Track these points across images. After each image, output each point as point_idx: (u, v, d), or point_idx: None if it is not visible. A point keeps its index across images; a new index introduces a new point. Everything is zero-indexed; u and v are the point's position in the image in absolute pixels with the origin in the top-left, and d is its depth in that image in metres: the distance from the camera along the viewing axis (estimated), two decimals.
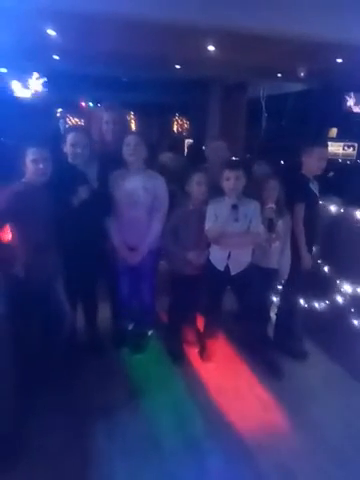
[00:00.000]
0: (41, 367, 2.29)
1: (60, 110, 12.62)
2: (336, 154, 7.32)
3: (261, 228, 2.60)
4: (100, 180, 2.47)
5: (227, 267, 2.61)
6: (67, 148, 2.42)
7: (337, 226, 2.97)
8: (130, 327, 3.00)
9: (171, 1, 2.91)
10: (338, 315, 2.88)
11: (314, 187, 2.88)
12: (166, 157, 4.21)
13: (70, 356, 2.54)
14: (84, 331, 2.84)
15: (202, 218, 2.60)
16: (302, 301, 3.08)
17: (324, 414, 2.44)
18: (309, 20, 2.99)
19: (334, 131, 8.35)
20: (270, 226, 2.68)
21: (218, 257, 2.63)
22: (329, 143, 7.49)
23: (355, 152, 7.36)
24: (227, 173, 2.54)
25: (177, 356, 2.83)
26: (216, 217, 2.55)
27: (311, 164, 2.81)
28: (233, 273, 2.62)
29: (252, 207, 2.60)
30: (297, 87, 6.49)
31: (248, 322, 2.84)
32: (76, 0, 2.87)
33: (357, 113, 6.65)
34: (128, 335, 2.96)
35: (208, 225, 2.57)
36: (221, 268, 2.62)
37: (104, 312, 2.97)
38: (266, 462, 2.06)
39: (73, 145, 2.39)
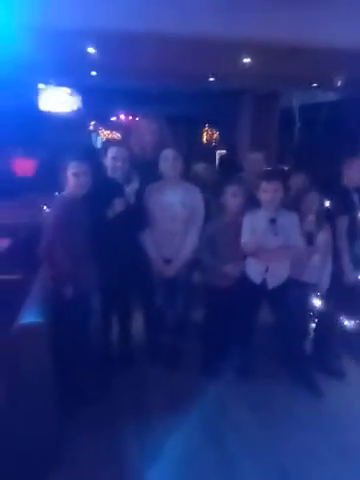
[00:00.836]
0: (78, 378, 2.31)
1: (93, 123, 12.98)
2: None
3: (300, 241, 2.54)
4: (138, 193, 2.49)
5: (264, 280, 2.56)
6: (107, 161, 2.46)
7: None
8: (165, 340, 2.97)
9: (201, 17, 2.94)
10: None
11: (356, 199, 2.80)
12: (199, 168, 4.22)
13: (105, 368, 2.55)
14: (119, 343, 2.84)
15: (238, 230, 2.57)
16: (342, 317, 2.96)
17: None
18: (342, 30, 2.95)
19: None
20: (310, 239, 2.62)
21: (255, 270, 2.58)
22: None
23: None
24: (265, 185, 2.50)
25: (210, 370, 2.78)
26: (253, 230, 2.51)
27: (352, 175, 2.74)
28: (270, 287, 2.56)
29: (291, 220, 2.55)
30: (331, 96, 6.35)
31: (285, 337, 2.77)
32: (113, 20, 2.95)
33: None
34: (163, 348, 2.94)
35: (245, 238, 2.53)
36: (258, 281, 2.57)
37: (139, 324, 2.98)
38: None
39: (114, 158, 2.44)
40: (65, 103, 7.96)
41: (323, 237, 2.67)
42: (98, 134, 13.22)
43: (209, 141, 13.71)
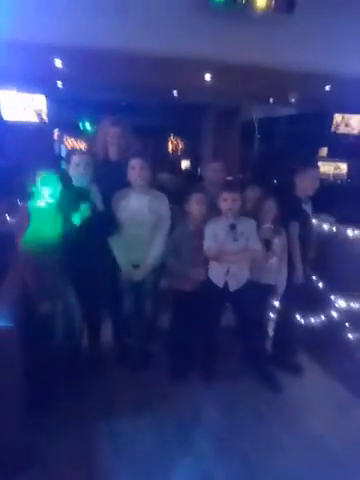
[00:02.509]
0: (47, 382, 2.35)
1: (57, 132, 12.85)
2: (327, 174, 7.59)
3: (258, 245, 2.73)
4: (104, 199, 2.58)
5: (226, 284, 2.72)
6: (71, 169, 2.53)
7: (330, 243, 3.12)
8: (132, 344, 3.06)
9: (167, 36, 3.13)
10: (333, 330, 2.99)
11: (307, 207, 3.04)
12: (164, 177, 4.38)
13: (74, 372, 2.61)
14: (88, 347, 2.89)
15: (201, 236, 2.72)
16: (298, 316, 3.19)
17: (318, 425, 2.52)
18: (297, 53, 3.26)
19: (324, 151, 8.66)
20: (267, 244, 2.82)
21: (217, 274, 2.75)
22: (321, 163, 7.81)
23: (345, 172, 7.64)
24: (225, 195, 2.68)
25: (178, 372, 2.90)
26: (215, 236, 2.68)
27: (304, 184, 2.98)
28: (232, 289, 2.73)
29: (249, 226, 2.74)
30: (289, 111, 6.78)
31: (246, 337, 2.95)
32: (80, 36, 3.07)
33: (344, 134, 6.96)
34: (130, 352, 3.02)
35: (207, 244, 2.69)
36: (220, 285, 2.73)
37: (107, 328, 3.05)
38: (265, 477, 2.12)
39: (77, 165, 2.51)
40: (29, 111, 7.90)
41: (279, 242, 2.88)
42: (62, 143, 13.12)
43: (174, 151, 13.99)
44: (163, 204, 2.77)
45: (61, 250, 2.40)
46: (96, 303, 2.79)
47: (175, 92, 4.51)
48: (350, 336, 2.82)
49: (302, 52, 3.01)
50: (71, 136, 13.52)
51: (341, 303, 2.95)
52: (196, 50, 3.17)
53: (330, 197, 4.78)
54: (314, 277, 3.21)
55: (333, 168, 7.66)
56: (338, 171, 7.70)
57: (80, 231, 2.46)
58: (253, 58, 3.26)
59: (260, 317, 2.95)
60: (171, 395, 2.71)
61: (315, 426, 2.51)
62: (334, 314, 3.00)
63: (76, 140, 13.63)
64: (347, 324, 2.87)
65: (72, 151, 2.68)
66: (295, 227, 2.92)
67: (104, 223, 2.59)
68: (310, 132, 6.54)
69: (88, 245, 2.49)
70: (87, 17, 3.08)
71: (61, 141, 13.24)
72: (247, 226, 2.73)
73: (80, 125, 12.94)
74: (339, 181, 7.60)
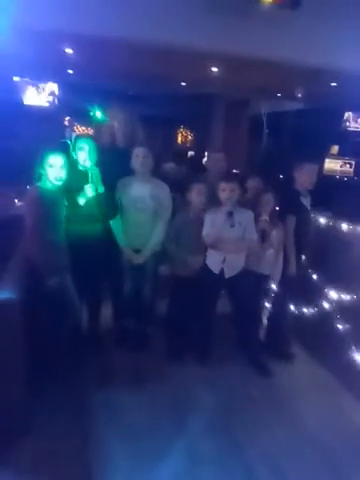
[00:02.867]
0: (48, 356, 2.49)
1: (68, 119, 12.94)
2: (334, 171, 7.61)
3: (255, 235, 2.83)
4: (105, 181, 2.67)
5: (222, 270, 2.83)
6: (77, 153, 2.65)
7: (327, 237, 3.20)
8: (132, 325, 3.18)
9: (178, 27, 3.19)
10: (325, 320, 3.09)
11: (305, 201, 3.12)
12: (168, 167, 4.47)
13: (74, 351, 2.74)
14: (88, 327, 3.03)
15: (201, 225, 2.83)
16: (292, 306, 3.30)
17: (305, 409, 2.65)
18: (305, 48, 3.30)
19: (335, 148, 8.65)
20: (263, 236, 2.91)
21: (214, 261, 2.86)
22: (328, 160, 7.83)
23: (352, 169, 7.64)
24: (223, 185, 2.78)
25: (174, 355, 3.03)
26: (213, 224, 2.78)
27: (302, 179, 3.06)
28: (227, 276, 2.84)
29: (247, 216, 2.84)
30: (297, 105, 6.79)
31: (240, 324, 3.07)
32: (91, 25, 3.16)
33: (354, 131, 6.97)
34: (129, 333, 3.15)
35: (205, 231, 2.80)
36: (216, 271, 2.85)
37: (108, 310, 3.18)
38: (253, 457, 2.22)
39: (81, 149, 2.62)
40: (43, 98, 8.02)
41: (276, 234, 2.97)
42: (73, 129, 13.23)
43: (184, 142, 14.02)
44: (164, 192, 2.88)
45: (67, 230, 2.53)
46: (96, 283, 2.91)
47: (183, 83, 4.58)
48: (340, 327, 2.91)
49: (307, 47, 3.06)
50: (81, 124, 13.63)
51: (333, 295, 3.04)
52: (202, 43, 3.23)
53: (333, 193, 4.84)
54: (310, 270, 3.29)
55: (339, 165, 7.68)
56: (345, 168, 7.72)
57: (82, 211, 2.59)
58: (260, 53, 3.33)
59: (254, 305, 3.06)
60: (165, 374, 2.84)
61: (302, 411, 2.63)
62: (326, 305, 3.09)
63: (86, 128, 13.76)
64: (338, 316, 2.96)
65: (78, 136, 2.77)
66: (292, 221, 3.01)
67: (107, 203, 2.69)
68: (318, 128, 6.56)
69: (90, 225, 2.62)
70: (96, 6, 3.15)
71: (72, 128, 13.34)
72: (245, 216, 2.83)
73: (90, 113, 13.04)
74: (345, 178, 7.63)
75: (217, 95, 7.63)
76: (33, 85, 7.33)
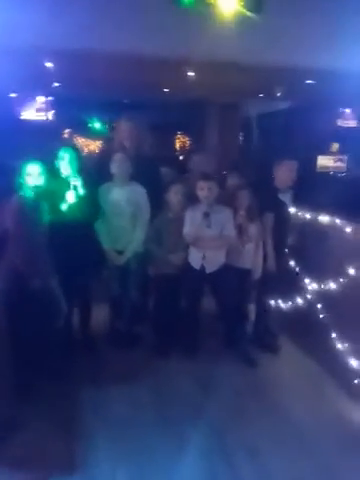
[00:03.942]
0: (37, 357, 2.60)
1: (67, 131, 13.21)
2: (327, 167, 7.69)
3: (233, 232, 2.93)
4: (86, 188, 2.83)
5: (203, 266, 2.94)
6: (59, 162, 2.80)
7: (305, 231, 3.28)
8: (121, 324, 3.29)
9: (166, 39, 3.34)
10: (308, 311, 3.16)
11: (285, 197, 3.21)
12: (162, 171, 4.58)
13: (65, 350, 2.84)
14: (78, 328, 3.15)
15: (180, 224, 2.94)
16: (275, 299, 3.38)
17: (290, 398, 2.71)
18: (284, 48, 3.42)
19: (336, 146, 8.72)
20: (240, 231, 3.01)
21: (194, 258, 2.97)
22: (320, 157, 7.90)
23: (344, 165, 7.71)
24: (201, 184, 2.90)
25: (162, 351, 3.12)
26: (192, 223, 2.89)
27: (281, 176, 3.16)
28: (208, 272, 2.94)
29: (225, 214, 2.95)
30: (283, 105, 6.90)
31: (225, 317, 3.16)
32: (74, 39, 3.31)
33: (345, 127, 7.04)
34: (119, 331, 3.26)
35: (185, 230, 2.91)
36: (197, 267, 2.95)
37: (98, 310, 3.29)
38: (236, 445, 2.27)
39: (62, 159, 2.78)
40: (40, 112, 8.26)
41: (254, 230, 3.07)
42: (72, 141, 13.47)
43: (182, 147, 14.20)
44: (141, 195, 3.01)
45: (51, 235, 2.66)
46: (84, 285, 3.03)
47: (165, 90, 4.72)
48: (321, 316, 2.98)
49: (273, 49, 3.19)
50: (81, 135, 13.91)
51: (314, 286, 3.11)
52: (179, 50, 3.37)
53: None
54: (292, 263, 3.37)
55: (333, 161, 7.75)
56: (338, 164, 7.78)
57: (67, 216, 2.74)
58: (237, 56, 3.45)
59: (237, 298, 3.14)
60: (151, 369, 2.93)
61: (286, 400, 2.69)
62: (308, 296, 3.17)
63: (86, 139, 14.03)
64: (319, 305, 3.04)
65: (62, 146, 2.90)
66: (269, 217, 3.10)
67: (89, 208, 2.82)
68: (307, 125, 6.66)
69: (75, 229, 2.74)
70: (80, 20, 3.31)
71: (71, 140, 13.59)
72: (223, 214, 2.94)
73: (89, 125, 13.30)
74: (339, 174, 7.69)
75: (207, 100, 7.79)
76: (28, 100, 7.58)
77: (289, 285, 3.35)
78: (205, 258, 2.93)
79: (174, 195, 2.98)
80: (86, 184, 2.84)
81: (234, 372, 2.95)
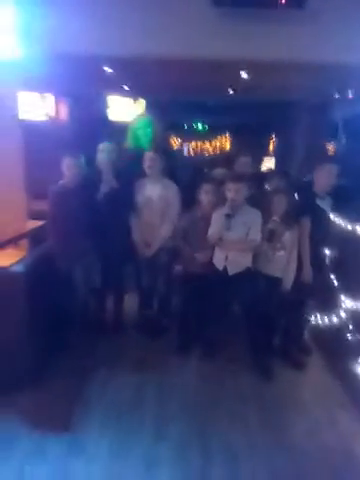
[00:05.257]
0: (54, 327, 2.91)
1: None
2: None
3: (258, 236, 2.84)
4: (119, 181, 3.04)
5: (225, 268, 2.91)
6: (98, 156, 3.05)
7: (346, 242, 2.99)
8: (149, 315, 3.44)
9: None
10: (340, 330, 2.89)
11: (324, 203, 2.98)
12: (216, 172, 4.63)
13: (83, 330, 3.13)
14: (107, 311, 3.39)
15: (208, 223, 2.95)
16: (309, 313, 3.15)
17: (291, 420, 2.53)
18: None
19: None
20: (271, 236, 2.89)
21: (218, 258, 2.95)
22: None
23: None
24: (229, 185, 2.86)
25: (179, 347, 3.19)
26: (216, 223, 2.89)
27: (320, 180, 2.94)
28: (230, 273, 2.90)
29: (253, 216, 2.87)
30: None
31: (248, 323, 3.07)
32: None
33: None
34: (146, 321, 3.42)
35: (210, 231, 2.91)
36: (220, 268, 2.93)
37: (130, 299, 3.51)
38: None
39: (101, 152, 3.02)
40: (130, 113, 8.90)
41: (290, 237, 2.91)
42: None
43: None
44: (172, 192, 3.10)
45: (87, 222, 2.94)
46: (115, 273, 3.26)
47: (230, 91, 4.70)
48: (350, 337, 2.70)
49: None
50: (178, 136, 14.57)
51: (348, 303, 2.83)
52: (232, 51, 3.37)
53: None
54: (332, 275, 3.11)
55: None
56: None
57: (102, 209, 2.98)
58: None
59: (263, 306, 3.01)
60: (164, 363, 3.02)
61: (288, 419, 2.52)
62: (342, 314, 2.89)
63: (182, 140, 14.67)
64: (351, 326, 2.75)
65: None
66: (306, 223, 2.92)
67: (122, 200, 3.04)
68: None
69: (109, 218, 2.97)
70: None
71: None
72: (250, 217, 2.86)
73: (185, 127, 13.86)
74: None
75: (298, 100, 7.49)
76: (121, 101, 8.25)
77: (325, 300, 3.09)
78: (228, 259, 2.89)
79: (204, 194, 3.00)
80: (123, 179, 3.06)
81: (245, 380, 2.87)
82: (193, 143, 15.32)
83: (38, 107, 7.06)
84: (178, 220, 3.11)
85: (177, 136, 14.63)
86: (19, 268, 2.49)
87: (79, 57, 3.34)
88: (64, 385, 2.70)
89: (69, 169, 2.83)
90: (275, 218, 2.91)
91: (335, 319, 3.01)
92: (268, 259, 2.94)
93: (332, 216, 3.11)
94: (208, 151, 14.80)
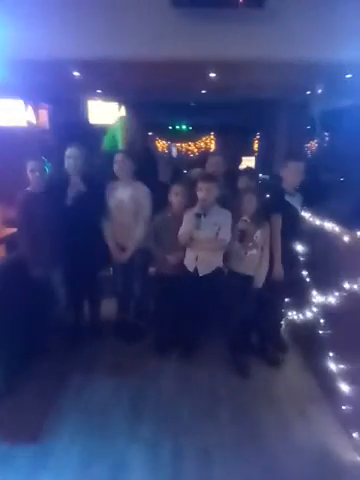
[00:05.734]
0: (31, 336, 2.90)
1: (150, 134, 13.88)
2: None
3: (228, 236, 2.85)
4: (88, 184, 3.02)
5: (196, 268, 2.91)
6: (66, 161, 3.01)
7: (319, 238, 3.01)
8: (126, 319, 3.42)
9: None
10: (313, 326, 2.91)
11: (294, 200, 3.00)
12: (194, 171, 4.64)
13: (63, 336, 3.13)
14: (83, 317, 3.37)
15: (179, 224, 2.95)
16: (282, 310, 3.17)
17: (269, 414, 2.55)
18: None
19: None
20: (242, 237, 2.90)
21: (188, 259, 2.96)
22: None
23: None
24: (200, 184, 2.87)
25: (156, 348, 3.20)
26: (185, 223, 2.89)
27: (288, 177, 2.96)
28: (201, 274, 2.91)
29: (222, 217, 2.88)
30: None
31: (222, 323, 3.08)
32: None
33: None
34: (123, 326, 3.40)
35: (180, 231, 2.91)
36: (191, 269, 2.94)
37: (106, 303, 3.49)
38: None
39: (68, 157, 2.99)
40: (112, 116, 8.90)
41: (261, 235, 2.92)
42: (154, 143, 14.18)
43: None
44: (143, 194, 3.08)
45: (55, 228, 2.92)
46: (89, 278, 3.24)
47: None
48: (320, 332, 2.72)
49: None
50: (162, 138, 14.56)
51: (319, 299, 2.84)
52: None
53: None
54: (304, 272, 3.13)
55: None
56: None
57: (71, 210, 2.95)
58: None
59: (236, 305, 3.02)
60: (141, 365, 3.02)
61: (263, 414, 2.54)
62: (313, 310, 2.91)
63: (167, 141, 14.69)
64: (322, 321, 2.77)
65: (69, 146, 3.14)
66: (276, 220, 2.93)
67: (92, 203, 2.99)
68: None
69: (79, 223, 2.92)
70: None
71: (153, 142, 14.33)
72: (220, 217, 2.88)
73: (169, 127, 13.85)
74: None
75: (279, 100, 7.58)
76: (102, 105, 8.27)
77: (298, 296, 3.11)
78: (198, 259, 2.90)
79: (174, 196, 3.01)
80: (92, 182, 3.05)
81: (221, 380, 2.87)
82: (178, 144, 15.34)
83: (17, 113, 7.09)
84: (150, 221, 3.11)
85: (162, 138, 14.65)
86: None
87: (46, 62, 3.33)
88: (37, 390, 2.69)
89: (32, 173, 2.81)
90: (245, 218, 2.92)
91: (308, 315, 3.03)
92: (240, 258, 2.95)
93: (303, 212, 3.12)
94: (193, 152, 14.82)
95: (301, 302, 3.11)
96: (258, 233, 2.92)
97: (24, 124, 7.23)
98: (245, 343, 3.13)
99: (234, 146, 11.91)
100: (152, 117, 10.76)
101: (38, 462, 2.15)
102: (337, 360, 2.53)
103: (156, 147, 14.07)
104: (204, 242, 2.86)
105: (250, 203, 2.92)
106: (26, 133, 6.73)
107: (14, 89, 5.88)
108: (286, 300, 3.29)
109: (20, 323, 2.76)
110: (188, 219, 2.89)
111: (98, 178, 3.12)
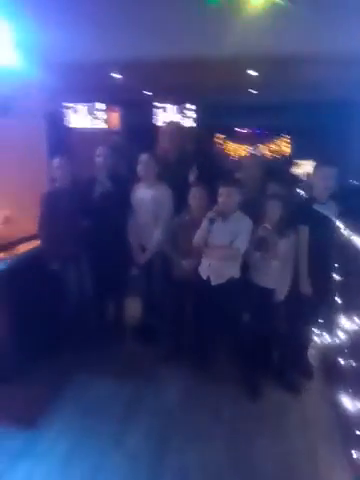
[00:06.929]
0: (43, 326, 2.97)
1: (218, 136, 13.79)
2: None
3: (244, 245, 2.64)
4: (113, 182, 3.06)
5: (208, 277, 2.75)
6: (96, 160, 3.06)
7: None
8: (143, 319, 3.39)
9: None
10: (336, 353, 2.57)
11: (324, 209, 2.69)
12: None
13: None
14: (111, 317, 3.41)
15: (196, 228, 2.81)
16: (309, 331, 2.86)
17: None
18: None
19: None
20: (262, 245, 2.67)
21: (203, 266, 2.80)
22: None
23: None
24: (220, 189, 2.70)
25: (165, 354, 3.11)
26: (201, 228, 2.74)
27: (318, 184, 2.66)
28: (214, 283, 2.74)
29: (242, 224, 2.68)
30: None
31: (236, 335, 2.87)
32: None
33: None
34: (139, 326, 3.39)
35: (196, 235, 2.78)
36: (204, 277, 2.78)
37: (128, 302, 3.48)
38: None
39: (97, 156, 3.05)
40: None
41: (284, 246, 2.68)
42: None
43: None
44: (165, 196, 3.01)
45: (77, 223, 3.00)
46: (108, 275, 3.25)
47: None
48: (341, 361, 2.39)
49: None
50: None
51: (347, 325, 2.50)
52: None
53: None
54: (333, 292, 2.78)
55: None
56: None
57: (97, 206, 3.00)
58: None
59: (253, 318, 2.80)
60: (145, 368, 2.98)
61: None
62: (340, 336, 2.57)
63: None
64: (346, 350, 2.43)
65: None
66: (303, 231, 2.66)
67: (118, 202, 3.02)
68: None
69: (104, 220, 2.97)
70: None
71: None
72: (240, 224, 2.68)
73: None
74: None
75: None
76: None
77: (325, 317, 2.78)
78: (210, 268, 2.74)
79: (193, 199, 2.89)
80: (119, 181, 3.08)
81: (226, 399, 2.67)
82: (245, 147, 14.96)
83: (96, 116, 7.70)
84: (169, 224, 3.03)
85: (229, 140, 14.45)
86: (1, 266, 2.62)
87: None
88: (41, 383, 2.76)
89: (58, 169, 2.91)
90: (266, 225, 2.69)
91: (332, 340, 2.68)
92: (259, 269, 2.73)
93: (338, 223, 2.78)
94: (265, 154, 14.30)
95: (328, 325, 2.77)
96: (281, 243, 2.67)
97: (104, 125, 7.83)
98: (260, 362, 2.87)
99: (309, 150, 11.26)
100: (221, 119, 10.68)
101: (25, 447, 2.23)
102: (356, 397, 2.19)
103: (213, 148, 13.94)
104: (214, 249, 2.69)
105: (273, 210, 2.68)
106: (104, 134, 7.27)
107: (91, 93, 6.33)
108: (317, 321, 2.94)
109: (38, 316, 2.87)
110: (203, 224, 2.75)
111: (124, 177, 3.14)
